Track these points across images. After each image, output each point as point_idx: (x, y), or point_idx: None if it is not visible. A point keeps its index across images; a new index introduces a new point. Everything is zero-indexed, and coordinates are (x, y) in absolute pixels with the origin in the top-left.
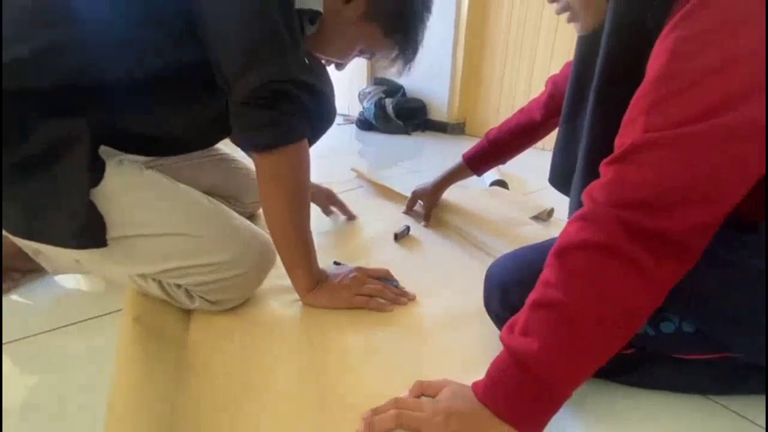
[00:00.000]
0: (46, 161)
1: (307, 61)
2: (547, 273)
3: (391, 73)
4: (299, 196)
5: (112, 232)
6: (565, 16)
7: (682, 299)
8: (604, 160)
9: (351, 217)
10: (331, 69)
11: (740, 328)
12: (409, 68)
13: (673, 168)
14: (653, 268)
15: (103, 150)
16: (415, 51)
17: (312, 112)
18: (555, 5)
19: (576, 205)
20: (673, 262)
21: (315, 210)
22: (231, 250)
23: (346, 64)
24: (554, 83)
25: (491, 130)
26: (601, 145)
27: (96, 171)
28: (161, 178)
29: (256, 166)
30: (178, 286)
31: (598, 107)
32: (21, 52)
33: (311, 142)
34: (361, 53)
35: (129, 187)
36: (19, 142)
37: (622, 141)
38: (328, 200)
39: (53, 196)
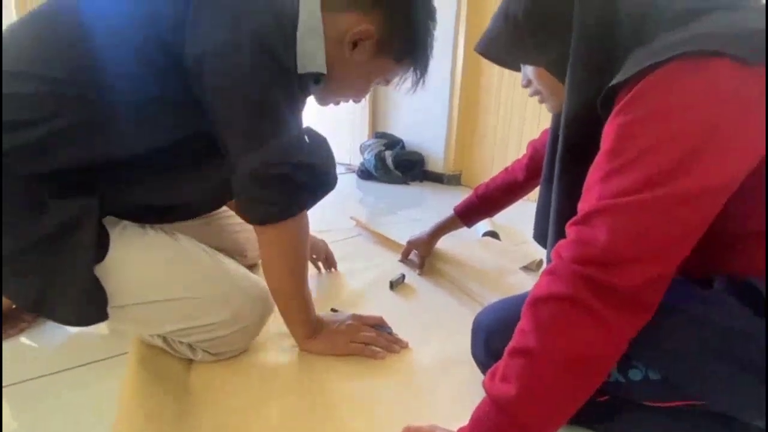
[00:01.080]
0: (55, 241)
1: (306, 138)
2: (523, 322)
3: (392, 126)
4: (297, 261)
5: (113, 302)
6: None
7: (644, 349)
8: (569, 222)
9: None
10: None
11: (699, 377)
12: (423, 82)
13: (623, 230)
14: (612, 319)
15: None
16: (426, 65)
17: (310, 186)
18: (528, 89)
19: (549, 260)
20: (630, 314)
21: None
22: (230, 308)
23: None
24: (534, 147)
25: (479, 186)
26: (567, 207)
27: (101, 247)
28: (163, 238)
29: (257, 234)
30: (182, 342)
31: (562, 175)
32: (28, 138)
33: (309, 207)
34: (377, 83)
35: (132, 258)
36: (28, 225)
37: (582, 206)
38: (321, 255)
39: (58, 275)
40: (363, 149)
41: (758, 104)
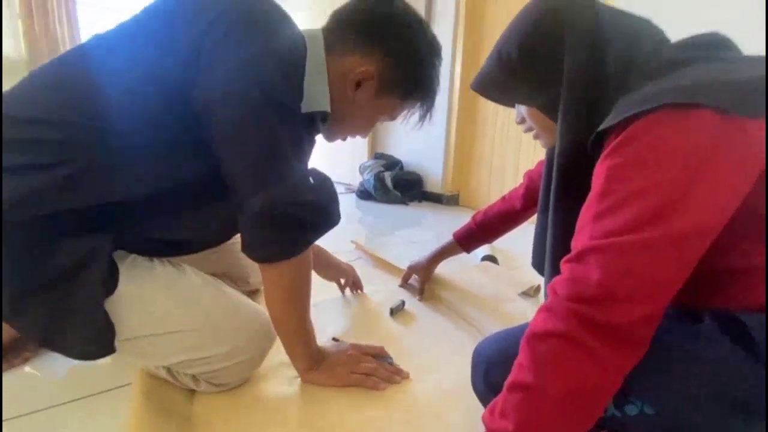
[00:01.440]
0: (66, 279)
1: (311, 179)
2: (521, 357)
3: (391, 147)
4: (299, 296)
5: (121, 336)
6: None
7: (638, 383)
8: (563, 259)
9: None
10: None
11: (693, 412)
12: (430, 116)
13: (615, 269)
14: (606, 355)
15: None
16: (433, 101)
17: (312, 225)
18: (522, 126)
19: (546, 294)
20: (623, 350)
21: (315, 284)
22: (233, 340)
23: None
24: (530, 177)
25: (477, 213)
26: (563, 239)
27: (111, 281)
28: (170, 271)
29: (260, 271)
30: (185, 373)
31: (557, 208)
32: (45, 180)
33: (311, 243)
34: (383, 121)
35: (140, 292)
36: (40, 264)
37: (575, 244)
38: (348, 281)
39: (68, 311)
40: (362, 170)
41: (737, 151)
